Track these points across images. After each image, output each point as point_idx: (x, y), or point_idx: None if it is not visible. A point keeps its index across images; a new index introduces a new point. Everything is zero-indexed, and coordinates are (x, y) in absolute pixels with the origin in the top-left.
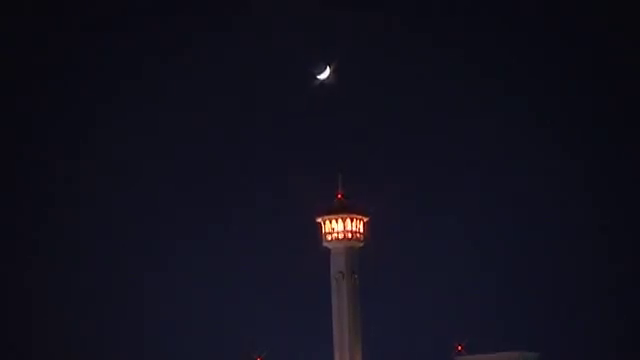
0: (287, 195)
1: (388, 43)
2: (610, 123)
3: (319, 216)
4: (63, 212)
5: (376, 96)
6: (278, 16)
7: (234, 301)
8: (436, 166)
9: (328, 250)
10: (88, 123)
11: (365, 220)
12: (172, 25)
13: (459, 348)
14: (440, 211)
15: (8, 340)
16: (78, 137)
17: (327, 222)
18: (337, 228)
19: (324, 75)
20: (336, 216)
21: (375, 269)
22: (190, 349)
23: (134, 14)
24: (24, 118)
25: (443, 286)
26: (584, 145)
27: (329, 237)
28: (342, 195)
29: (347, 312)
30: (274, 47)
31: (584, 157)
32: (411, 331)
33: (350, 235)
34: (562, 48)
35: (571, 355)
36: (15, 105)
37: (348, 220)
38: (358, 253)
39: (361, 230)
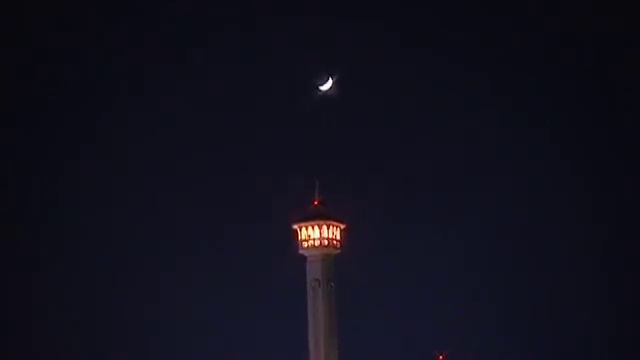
0: (269, 201)
1: (387, 52)
2: (610, 123)
3: (295, 223)
4: (63, 212)
5: (368, 103)
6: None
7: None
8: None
9: (304, 257)
10: (88, 123)
11: (342, 227)
12: (174, 32)
13: (440, 358)
14: (420, 218)
15: (8, 340)
16: (78, 137)
17: (303, 229)
18: (313, 235)
19: (326, 86)
20: (312, 223)
21: (352, 277)
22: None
23: (135, 14)
24: (24, 118)
25: (423, 294)
26: (584, 145)
27: (305, 244)
28: (319, 202)
29: (323, 320)
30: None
31: (584, 157)
32: (389, 339)
33: (326, 242)
34: (562, 48)
35: None
36: (15, 105)
37: (325, 227)
38: (334, 260)
39: (338, 237)
